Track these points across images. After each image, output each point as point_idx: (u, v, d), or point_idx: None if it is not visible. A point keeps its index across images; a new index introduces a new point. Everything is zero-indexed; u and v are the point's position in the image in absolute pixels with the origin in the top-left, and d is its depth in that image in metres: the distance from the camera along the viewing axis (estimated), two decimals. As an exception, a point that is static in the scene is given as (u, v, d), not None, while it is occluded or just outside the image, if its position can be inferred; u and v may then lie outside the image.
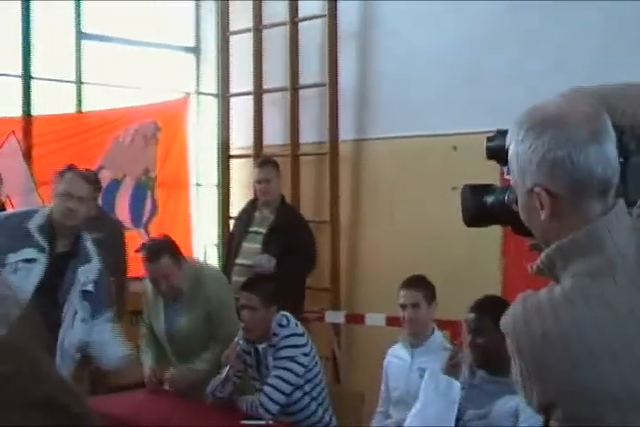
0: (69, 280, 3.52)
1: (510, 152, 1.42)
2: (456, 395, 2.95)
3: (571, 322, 1.30)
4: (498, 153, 1.59)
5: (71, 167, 3.69)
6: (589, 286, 1.32)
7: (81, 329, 3.54)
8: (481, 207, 1.61)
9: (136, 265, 5.96)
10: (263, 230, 5.03)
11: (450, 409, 2.94)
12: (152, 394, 3.89)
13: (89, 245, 3.69)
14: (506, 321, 1.42)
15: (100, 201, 5.64)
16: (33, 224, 3.51)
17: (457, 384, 2.99)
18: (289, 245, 4.82)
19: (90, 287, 3.57)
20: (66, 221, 3.52)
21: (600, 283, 1.31)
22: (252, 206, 5.25)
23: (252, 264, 4.84)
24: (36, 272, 3.43)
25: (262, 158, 5.60)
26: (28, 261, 3.43)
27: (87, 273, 3.58)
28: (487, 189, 1.65)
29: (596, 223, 1.32)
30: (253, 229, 5.07)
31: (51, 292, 3.46)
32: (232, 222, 5.78)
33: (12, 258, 3.40)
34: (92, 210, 3.81)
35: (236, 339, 3.73)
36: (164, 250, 3.87)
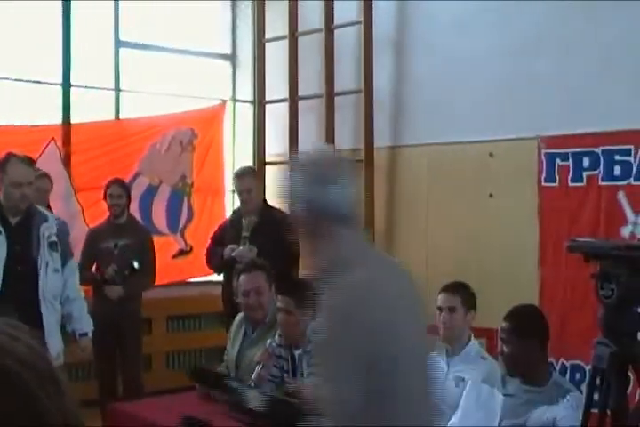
0: (35, 238, 3.85)
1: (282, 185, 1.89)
2: (497, 406, 2.93)
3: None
4: None
5: (9, 155, 3.91)
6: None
7: (55, 278, 3.89)
8: None
9: (175, 270, 6.03)
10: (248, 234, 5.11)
11: (491, 420, 2.92)
12: (183, 398, 3.91)
13: (40, 208, 4.06)
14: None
15: (134, 206, 5.72)
16: None
17: (499, 395, 2.97)
18: (271, 244, 4.81)
19: (54, 238, 3.91)
20: (21, 205, 3.85)
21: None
22: (238, 214, 5.30)
23: (234, 256, 4.89)
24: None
25: (239, 169, 5.57)
26: None
27: (49, 229, 3.92)
28: None
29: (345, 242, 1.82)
30: (244, 234, 5.12)
31: (22, 256, 3.82)
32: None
33: None
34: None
35: (268, 341, 3.73)
36: (261, 267, 4.05)
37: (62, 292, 3.97)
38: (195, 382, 3.78)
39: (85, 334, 4.10)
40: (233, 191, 6.70)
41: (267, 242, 4.83)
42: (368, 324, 1.71)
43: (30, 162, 3.95)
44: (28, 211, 3.90)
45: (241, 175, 5.26)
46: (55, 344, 3.80)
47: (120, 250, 5.04)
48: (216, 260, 5.16)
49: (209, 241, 5.39)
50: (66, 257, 4.00)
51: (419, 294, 1.97)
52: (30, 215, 3.90)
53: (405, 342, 1.78)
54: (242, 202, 5.22)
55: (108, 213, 5.22)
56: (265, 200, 5.29)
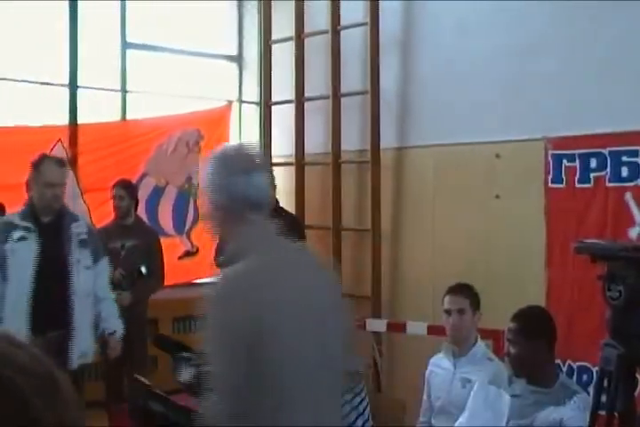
0: (66, 237, 3.93)
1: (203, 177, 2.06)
2: (505, 406, 2.93)
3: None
4: None
5: (43, 156, 4.04)
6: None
7: (86, 275, 3.95)
8: None
9: (181, 271, 6.03)
10: None
11: (499, 420, 2.92)
12: (188, 399, 3.91)
13: (70, 210, 4.16)
14: None
15: (141, 207, 5.72)
16: (15, 217, 3.94)
17: (506, 396, 2.97)
18: None
19: (84, 236, 3.99)
20: (54, 205, 3.96)
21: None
22: None
23: None
24: (32, 246, 3.83)
25: None
26: (20, 240, 3.83)
27: (79, 227, 4.00)
28: None
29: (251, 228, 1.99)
30: None
31: (54, 254, 3.88)
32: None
33: (6, 246, 3.81)
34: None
35: None
36: None
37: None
38: (158, 348, 3.84)
39: (114, 333, 4.13)
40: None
41: None
42: (241, 304, 1.84)
43: (63, 163, 4.06)
44: (60, 211, 3.99)
45: None
46: (84, 342, 3.85)
47: (127, 251, 5.04)
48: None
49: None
50: (97, 255, 4.07)
51: (330, 281, 2.10)
52: (62, 215, 4.00)
53: (286, 326, 1.88)
54: None
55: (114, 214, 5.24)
56: (277, 201, 5.28)
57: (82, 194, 5.70)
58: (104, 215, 5.47)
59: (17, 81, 5.70)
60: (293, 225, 5.17)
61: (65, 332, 3.83)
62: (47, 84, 5.83)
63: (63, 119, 5.78)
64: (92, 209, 5.71)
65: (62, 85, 5.82)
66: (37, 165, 3.92)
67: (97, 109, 6.03)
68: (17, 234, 3.85)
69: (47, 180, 3.89)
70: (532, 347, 3.01)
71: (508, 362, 3.18)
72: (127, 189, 5.23)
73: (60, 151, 5.65)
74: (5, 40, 5.65)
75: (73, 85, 5.82)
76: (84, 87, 5.88)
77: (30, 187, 3.98)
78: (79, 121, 5.80)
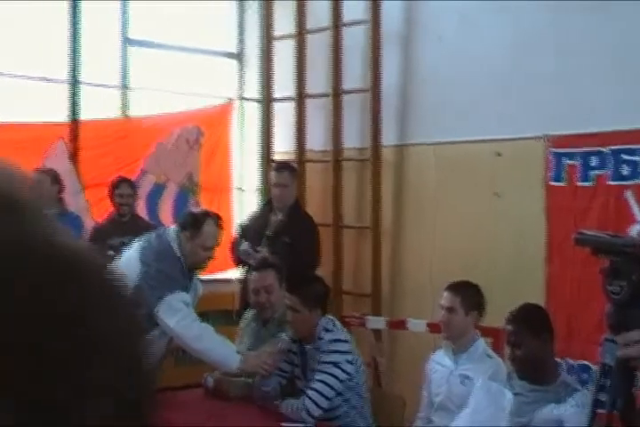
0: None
1: None
2: (507, 403, 2.93)
3: None
4: None
5: (206, 214, 3.90)
6: None
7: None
8: None
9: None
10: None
11: (500, 417, 2.92)
12: (195, 395, 3.93)
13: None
14: None
15: (141, 204, 5.73)
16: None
17: (508, 393, 2.97)
18: (291, 246, 4.80)
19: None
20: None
21: None
22: (268, 208, 5.23)
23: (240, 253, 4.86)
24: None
25: (279, 163, 5.57)
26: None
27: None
28: None
29: None
30: (267, 233, 5.04)
31: None
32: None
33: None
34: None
35: (283, 334, 3.75)
36: (272, 265, 4.08)
37: None
38: None
39: None
40: (239, 189, 6.73)
41: (288, 243, 4.81)
42: None
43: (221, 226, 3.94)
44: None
45: (279, 169, 5.23)
46: None
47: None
48: (235, 254, 5.08)
49: (236, 231, 5.36)
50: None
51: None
52: None
53: None
54: (275, 196, 5.11)
55: (113, 210, 5.25)
56: (297, 200, 5.27)
57: (83, 190, 5.70)
58: (104, 211, 5.48)
59: (18, 77, 5.70)
60: (309, 227, 5.16)
61: None
62: (48, 80, 5.83)
63: (64, 116, 5.79)
64: (92, 205, 5.72)
65: (63, 82, 5.82)
66: (199, 224, 3.78)
67: (98, 106, 6.03)
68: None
69: (207, 244, 3.79)
70: (535, 346, 3.01)
71: (512, 365, 3.16)
72: (132, 187, 5.28)
73: (61, 147, 5.66)
74: (6, 36, 5.65)
75: (74, 82, 5.82)
76: (85, 84, 5.89)
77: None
78: (80, 117, 5.80)
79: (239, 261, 5.08)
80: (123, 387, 0.44)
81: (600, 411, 2.43)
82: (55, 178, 5.10)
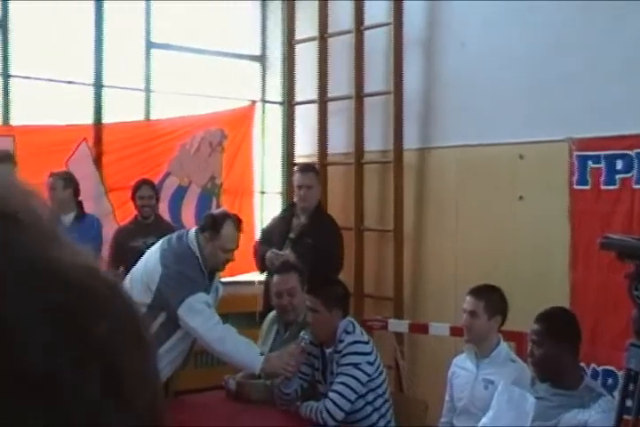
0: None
1: None
2: (530, 408, 2.90)
3: None
4: None
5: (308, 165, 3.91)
6: None
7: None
8: None
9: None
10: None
11: (522, 421, 2.90)
12: (216, 397, 3.93)
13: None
14: None
15: (164, 206, 5.75)
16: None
17: (531, 398, 2.94)
18: (315, 248, 4.78)
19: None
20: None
21: None
22: (290, 212, 5.23)
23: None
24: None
25: (304, 164, 5.56)
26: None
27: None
28: None
29: None
30: (290, 235, 5.03)
31: None
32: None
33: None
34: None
35: (301, 334, 3.74)
36: (295, 268, 4.08)
37: None
38: None
39: None
40: (261, 192, 6.74)
41: (312, 246, 4.80)
42: None
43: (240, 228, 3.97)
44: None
45: (304, 170, 5.24)
46: None
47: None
48: (259, 259, 5.06)
49: (258, 236, 5.37)
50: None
51: None
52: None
53: None
54: (299, 198, 5.11)
55: (136, 213, 5.27)
56: (320, 203, 5.27)
57: (106, 193, 5.74)
58: (128, 214, 5.51)
59: (42, 80, 5.75)
60: (332, 229, 5.15)
61: None
62: (72, 83, 5.88)
63: (88, 118, 5.83)
64: (116, 208, 5.75)
65: (87, 84, 5.86)
66: (219, 225, 3.79)
67: (121, 109, 6.07)
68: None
69: (226, 246, 3.80)
70: (557, 348, 2.99)
71: (531, 364, 3.16)
72: (154, 189, 5.32)
73: (84, 150, 5.70)
74: (31, 39, 5.70)
75: (98, 85, 5.86)
76: (108, 86, 5.93)
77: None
78: (104, 120, 5.84)
79: (263, 267, 5.07)
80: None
81: (626, 417, 2.41)
82: (69, 181, 5.11)
